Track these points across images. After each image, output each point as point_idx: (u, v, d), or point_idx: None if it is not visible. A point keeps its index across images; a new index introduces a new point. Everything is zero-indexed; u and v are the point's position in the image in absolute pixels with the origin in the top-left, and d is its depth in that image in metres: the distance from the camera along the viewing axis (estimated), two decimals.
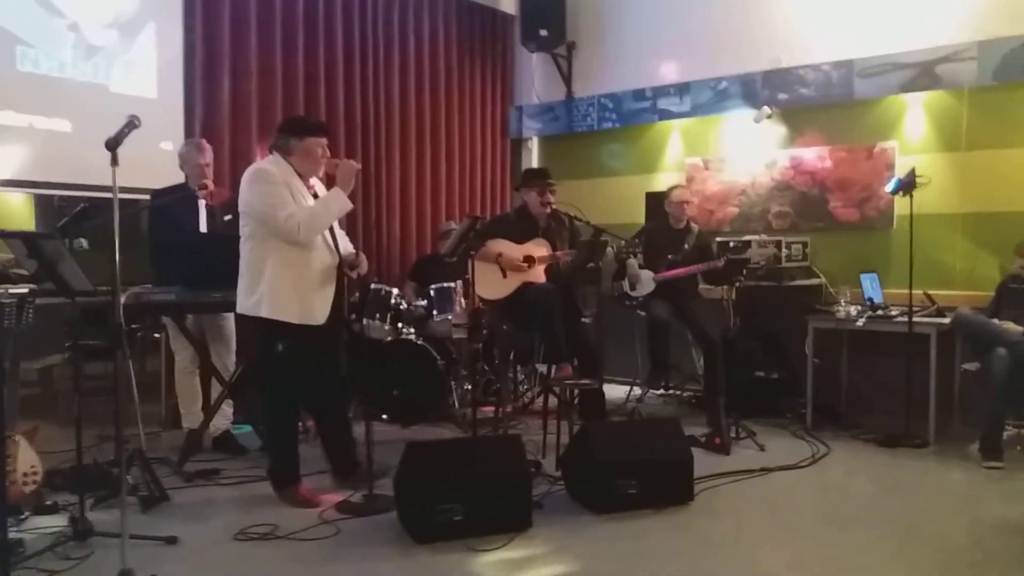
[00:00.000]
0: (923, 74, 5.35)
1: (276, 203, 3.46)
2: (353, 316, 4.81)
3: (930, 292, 5.06)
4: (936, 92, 5.40)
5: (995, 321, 4.48)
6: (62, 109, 4.74)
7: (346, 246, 3.79)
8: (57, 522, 3.27)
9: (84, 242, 3.88)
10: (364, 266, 3.74)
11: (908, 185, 4.83)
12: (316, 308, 3.56)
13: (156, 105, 5.08)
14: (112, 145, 2.85)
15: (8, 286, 3.13)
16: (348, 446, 3.89)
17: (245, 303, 3.59)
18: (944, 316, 4.85)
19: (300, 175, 3.61)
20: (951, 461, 4.39)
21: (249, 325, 3.68)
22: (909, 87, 5.44)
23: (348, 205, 3.61)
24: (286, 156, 3.61)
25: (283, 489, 3.68)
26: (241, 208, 3.57)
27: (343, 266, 3.69)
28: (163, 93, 5.19)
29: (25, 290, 3.29)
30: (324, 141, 3.65)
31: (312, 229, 3.51)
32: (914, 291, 4.78)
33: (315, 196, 3.66)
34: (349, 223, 5.04)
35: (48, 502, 3.44)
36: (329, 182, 3.78)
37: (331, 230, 3.68)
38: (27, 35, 4.60)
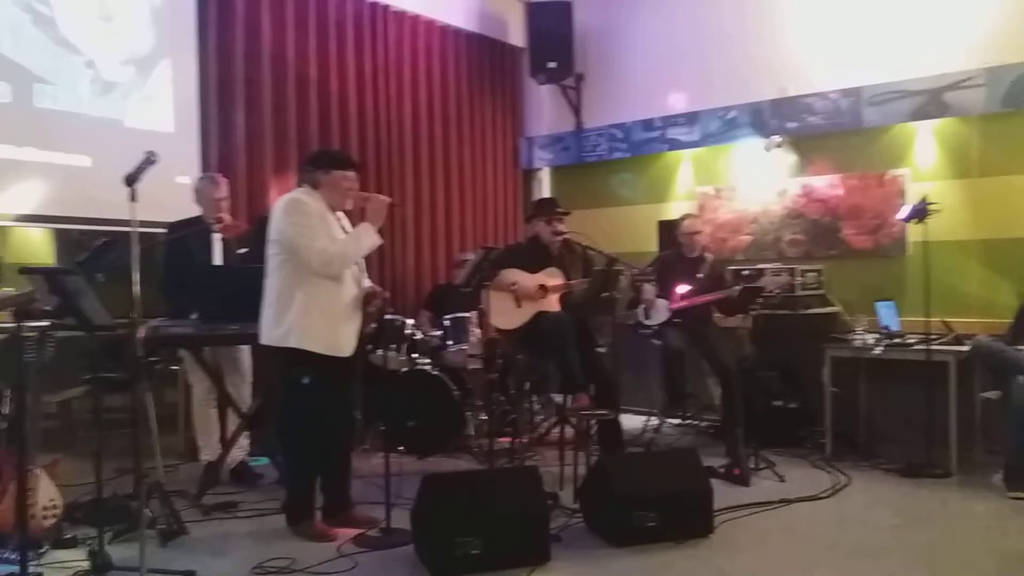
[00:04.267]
0: (931, 101, 5.37)
1: (310, 235, 3.45)
2: (370, 347, 4.80)
3: (947, 320, 5.03)
4: (945, 119, 5.42)
5: (1015, 348, 4.43)
6: (80, 145, 4.78)
7: (363, 280, 3.79)
8: (76, 556, 3.26)
9: (100, 275, 3.89)
10: (379, 302, 3.71)
11: (921, 212, 4.83)
12: (344, 339, 3.56)
13: (172, 139, 5.13)
14: (131, 181, 2.89)
15: (27, 321, 3.13)
16: (345, 485, 3.83)
17: (271, 334, 3.54)
18: (962, 344, 4.81)
19: (330, 208, 3.62)
20: (975, 491, 4.33)
21: (274, 357, 3.62)
22: (918, 115, 5.46)
23: (377, 241, 3.62)
24: (314, 189, 3.61)
25: (298, 524, 3.64)
26: (273, 236, 3.54)
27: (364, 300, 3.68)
28: (179, 127, 5.24)
29: (46, 323, 3.30)
30: (351, 175, 3.64)
31: (343, 264, 3.52)
32: (931, 319, 4.75)
33: (343, 230, 3.68)
34: None
35: (67, 536, 3.43)
36: (355, 217, 3.77)
37: (356, 263, 3.69)
38: (44, 72, 4.66)
